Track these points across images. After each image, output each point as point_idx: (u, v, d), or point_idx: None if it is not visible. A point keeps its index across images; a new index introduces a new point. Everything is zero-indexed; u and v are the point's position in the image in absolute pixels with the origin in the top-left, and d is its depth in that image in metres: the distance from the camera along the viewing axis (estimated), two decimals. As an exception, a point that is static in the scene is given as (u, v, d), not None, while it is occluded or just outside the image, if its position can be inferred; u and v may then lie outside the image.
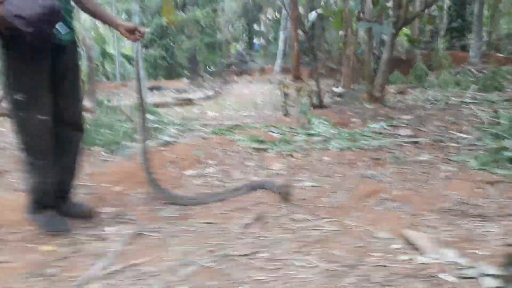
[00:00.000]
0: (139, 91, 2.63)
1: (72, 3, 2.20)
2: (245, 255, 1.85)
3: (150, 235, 2.09)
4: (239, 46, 25.06)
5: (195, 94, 11.27)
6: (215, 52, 18.61)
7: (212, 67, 19.91)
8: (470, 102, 5.57)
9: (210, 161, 3.22)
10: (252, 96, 10.93)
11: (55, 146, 2.16)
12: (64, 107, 2.17)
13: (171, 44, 19.09)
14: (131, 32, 2.28)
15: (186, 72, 17.83)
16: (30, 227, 2.15)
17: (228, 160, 3.28)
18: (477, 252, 1.89)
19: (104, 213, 2.34)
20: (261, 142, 3.73)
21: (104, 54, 18.10)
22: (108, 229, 2.14)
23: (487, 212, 2.32)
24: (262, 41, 26.38)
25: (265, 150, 3.50)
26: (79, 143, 2.32)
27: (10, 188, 3.25)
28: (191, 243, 1.98)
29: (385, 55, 5.91)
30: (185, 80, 15.80)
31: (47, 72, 2.02)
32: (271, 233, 2.10)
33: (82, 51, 5.96)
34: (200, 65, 15.27)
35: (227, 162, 3.23)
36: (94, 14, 2.30)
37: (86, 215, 2.28)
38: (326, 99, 6.91)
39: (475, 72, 9.93)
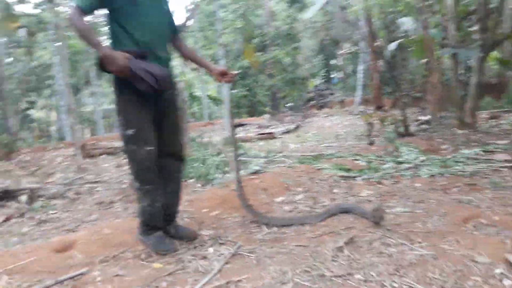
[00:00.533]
0: (232, 126, 2.88)
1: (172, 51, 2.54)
2: (340, 276, 1.89)
3: (248, 255, 2.22)
4: (318, 81, 25.33)
5: (277, 129, 11.56)
6: (295, 88, 19.00)
7: (292, 103, 20.32)
8: None
9: (298, 188, 3.32)
10: (333, 128, 10.94)
11: (161, 175, 2.44)
12: (168, 140, 2.47)
13: (254, 83, 19.91)
14: (223, 75, 2.58)
15: (267, 108, 18.37)
16: (141, 247, 2.40)
17: (315, 187, 3.35)
18: None
19: (205, 235, 2.53)
20: (348, 170, 3.75)
21: (192, 97, 19.37)
22: (210, 250, 2.31)
23: None
24: (340, 74, 26.41)
25: (352, 178, 3.53)
26: (182, 172, 2.60)
27: (119, 216, 3.65)
28: (286, 263, 2.07)
29: (473, 80, 5.67)
30: (266, 116, 16.27)
31: (152, 110, 2.34)
32: (364, 256, 2.11)
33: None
34: (280, 101, 15.67)
35: (315, 189, 3.30)
36: (191, 59, 2.67)
37: (190, 237, 2.51)
38: (412, 128, 6.73)
39: None
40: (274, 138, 10.13)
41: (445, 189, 3.06)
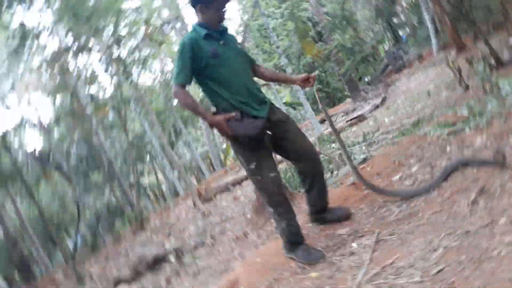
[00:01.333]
0: (331, 124, 3.04)
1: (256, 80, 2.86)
2: (485, 225, 1.95)
3: (390, 238, 2.37)
4: (387, 46, 24.33)
5: (364, 109, 11.38)
6: (368, 63, 18.51)
7: (369, 77, 19.77)
8: None
9: (411, 160, 3.35)
10: (421, 86, 10.47)
11: (306, 175, 2.82)
12: (299, 150, 2.77)
13: (323, 74, 19.83)
14: (306, 81, 2.79)
15: (345, 93, 18.13)
16: (293, 263, 2.65)
17: (427, 153, 3.36)
18: None
19: (343, 234, 2.72)
20: (453, 124, 3.69)
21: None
22: (353, 245, 2.50)
23: None
24: (408, 30, 25.05)
25: (461, 130, 3.47)
26: (321, 167, 2.91)
27: (256, 243, 3.98)
28: (429, 233, 2.18)
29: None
30: (348, 100, 16.07)
31: (264, 139, 2.66)
32: (501, 201, 2.13)
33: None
34: (357, 82, 15.40)
35: (427, 155, 3.31)
36: (274, 79, 3.06)
37: (345, 215, 2.87)
38: (505, 56, 6.27)
39: None
40: (365, 119, 10.00)
41: None
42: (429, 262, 1.90)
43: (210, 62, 2.53)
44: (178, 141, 26.12)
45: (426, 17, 15.47)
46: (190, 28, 2.83)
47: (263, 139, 2.63)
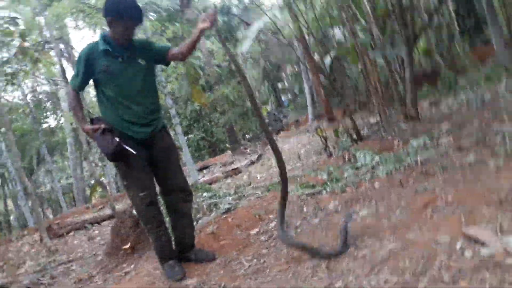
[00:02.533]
0: (280, 162, 2.89)
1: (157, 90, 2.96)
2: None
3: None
4: (269, 107, 25.90)
5: (241, 163, 11.71)
6: (249, 119, 19.34)
7: (249, 134, 20.61)
8: (507, 95, 5.55)
9: (270, 216, 3.43)
10: (294, 149, 11.20)
11: (171, 211, 2.92)
12: (168, 179, 2.84)
13: (208, 124, 20.11)
14: (204, 21, 2.65)
15: (227, 145, 18.54)
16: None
17: (286, 211, 3.47)
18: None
19: (189, 284, 2.58)
20: (313, 186, 3.92)
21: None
22: None
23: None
24: (289, 96, 27.18)
25: (318, 193, 3.69)
26: (189, 205, 2.97)
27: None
28: (272, 291, 2.17)
29: (407, 73, 6.09)
30: (228, 152, 16.42)
31: (142, 160, 2.71)
32: (341, 265, 2.24)
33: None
34: (238, 135, 15.92)
35: (287, 213, 3.42)
36: (190, 49, 2.84)
37: (209, 258, 2.91)
38: (365, 132, 7.06)
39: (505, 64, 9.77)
40: (240, 172, 10.25)
41: (402, 183, 3.27)
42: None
43: (101, 76, 2.67)
44: (40, 168, 23.56)
45: (306, 86, 16.99)
46: (76, 50, 2.79)
47: (140, 158, 2.70)
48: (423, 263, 1.95)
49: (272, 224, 3.28)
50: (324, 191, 3.68)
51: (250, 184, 7.49)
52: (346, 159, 4.67)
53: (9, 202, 24.45)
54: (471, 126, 4.56)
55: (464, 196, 2.62)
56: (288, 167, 7.95)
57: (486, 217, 2.24)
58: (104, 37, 2.66)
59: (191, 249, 3.00)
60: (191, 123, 19.95)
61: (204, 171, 13.19)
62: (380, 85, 7.88)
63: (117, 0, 2.61)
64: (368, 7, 6.64)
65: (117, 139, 2.59)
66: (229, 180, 9.67)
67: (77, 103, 2.75)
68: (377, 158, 4.30)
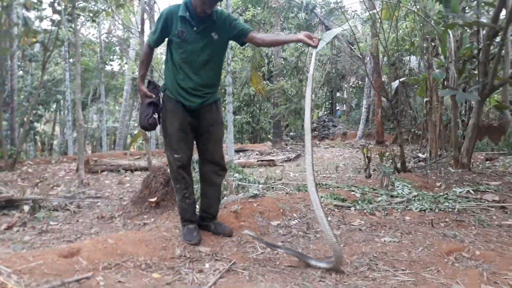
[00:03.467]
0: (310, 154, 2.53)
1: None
2: (327, 293, 2.04)
3: (241, 272, 2.37)
4: (322, 113, 25.69)
5: (277, 156, 11.75)
6: (299, 118, 19.33)
7: (294, 132, 20.58)
8: None
9: (293, 214, 3.47)
10: (334, 159, 11.10)
11: (203, 179, 3.07)
12: (207, 150, 2.99)
13: (257, 111, 20.24)
14: (310, 38, 2.67)
15: (269, 136, 18.62)
16: (142, 258, 2.55)
17: (310, 214, 3.51)
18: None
19: (202, 252, 2.68)
20: (343, 200, 3.91)
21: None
22: (206, 265, 2.46)
23: None
24: (345, 107, 26.82)
25: (347, 207, 3.68)
26: (221, 178, 3.09)
27: (118, 230, 3.80)
28: (277, 281, 2.22)
29: (471, 121, 5.88)
30: (268, 143, 16.49)
31: (187, 125, 2.87)
32: (350, 279, 2.26)
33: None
34: (283, 130, 15.93)
35: (310, 216, 3.45)
36: (272, 43, 2.97)
37: (226, 233, 3.00)
38: (410, 164, 6.90)
39: None
40: (275, 165, 10.30)
41: (433, 223, 3.21)
42: (264, 307, 1.91)
43: (174, 40, 2.78)
44: (92, 105, 24.67)
45: (364, 102, 16.70)
46: (159, 7, 2.93)
47: (186, 123, 2.86)
48: (431, 304, 1.94)
49: (294, 222, 3.32)
50: (353, 208, 3.67)
51: (281, 179, 7.53)
52: (384, 184, 4.60)
53: (57, 128, 25.80)
54: (522, 191, 4.38)
55: (492, 255, 2.55)
56: (324, 175, 7.94)
57: (508, 283, 2.18)
58: (186, 4, 2.75)
59: (212, 220, 3.10)
60: (242, 105, 20.14)
61: (241, 153, 13.33)
62: (440, 124, 7.66)
63: None
64: (452, 44, 6.43)
65: (156, 117, 2.86)
66: (262, 169, 9.75)
67: (147, 60, 2.97)
68: (415, 192, 4.22)
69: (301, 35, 2.68)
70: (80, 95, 7.84)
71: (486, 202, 3.91)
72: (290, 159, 11.22)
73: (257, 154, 12.83)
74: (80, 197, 5.74)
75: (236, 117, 19.50)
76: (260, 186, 6.18)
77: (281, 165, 10.27)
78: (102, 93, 18.59)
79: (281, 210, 3.50)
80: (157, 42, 2.88)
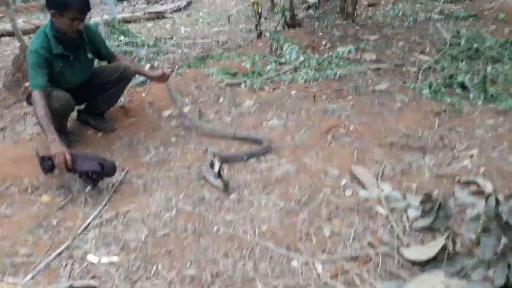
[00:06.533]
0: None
1: None
2: (217, 198, 2.21)
3: (135, 182, 2.41)
4: None
5: (167, 5, 10.86)
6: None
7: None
8: (437, 19, 5.69)
9: (186, 99, 3.43)
10: (226, 6, 10.63)
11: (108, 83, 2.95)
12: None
13: None
14: (161, 78, 2.95)
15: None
16: (27, 178, 2.44)
17: (202, 97, 3.49)
18: (412, 185, 2.28)
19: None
20: (234, 74, 3.91)
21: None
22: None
23: (427, 144, 2.67)
24: None
25: (237, 85, 3.71)
26: (120, 79, 2.95)
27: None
28: (171, 188, 2.32)
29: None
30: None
31: None
32: (241, 174, 2.44)
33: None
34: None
35: (202, 100, 3.45)
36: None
37: (108, 130, 2.98)
38: (300, 15, 6.90)
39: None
40: (164, 17, 9.59)
41: (316, 97, 3.42)
42: (160, 221, 2.03)
43: (56, 75, 2.61)
44: None
45: None
46: None
47: None
48: (308, 194, 2.21)
49: (186, 109, 3.30)
50: (243, 84, 3.71)
51: (172, 38, 7.17)
52: (273, 48, 4.63)
53: None
54: (396, 46, 4.73)
55: (363, 130, 2.87)
56: (215, 29, 7.69)
57: (374, 159, 2.53)
58: (55, 36, 2.54)
59: (96, 116, 3.01)
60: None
61: (125, 2, 12.05)
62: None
63: None
64: None
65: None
66: (150, 24, 9.07)
67: (48, 110, 2.42)
68: (301, 57, 4.34)
69: (156, 75, 2.97)
70: None
71: (364, 64, 4.20)
72: (181, 8, 10.47)
73: (143, 2, 11.68)
74: None
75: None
76: (150, 51, 5.84)
77: (171, 17, 9.61)
78: None
79: (171, 97, 3.43)
80: (47, 82, 2.51)
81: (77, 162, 2.22)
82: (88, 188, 2.27)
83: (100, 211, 2.13)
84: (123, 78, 2.89)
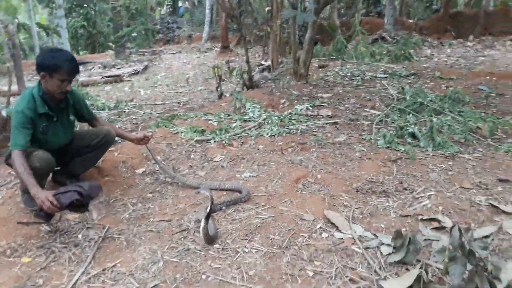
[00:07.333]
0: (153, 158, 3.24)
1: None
2: (201, 249, 2.28)
3: (117, 238, 2.44)
4: (164, 11, 24.33)
5: (124, 69, 11.10)
6: (139, 18, 17.98)
7: (136, 34, 19.22)
8: (382, 77, 6.30)
9: (157, 157, 3.53)
10: (183, 68, 11.02)
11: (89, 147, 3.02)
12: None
13: (92, 12, 18.16)
14: (141, 140, 3.06)
15: (111, 44, 17.15)
16: (4, 241, 2.39)
17: (174, 154, 3.61)
18: (381, 225, 2.48)
19: (71, 220, 2.62)
20: (202, 132, 4.09)
21: (18, 26, 16.85)
22: (79, 236, 2.44)
23: (389, 189, 2.92)
24: (187, 4, 25.77)
25: (207, 141, 3.88)
26: (98, 144, 3.00)
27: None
28: (154, 241, 2.36)
29: (307, 36, 6.39)
30: (110, 52, 15.31)
31: None
32: (221, 224, 2.54)
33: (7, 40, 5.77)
34: (125, 36, 14.73)
35: (174, 157, 3.57)
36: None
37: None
38: (256, 75, 7.34)
39: (389, 39, 10.84)
40: (122, 81, 9.78)
41: (283, 150, 3.65)
42: (148, 273, 2.06)
43: (39, 135, 2.67)
44: None
45: (208, 4, 16.32)
46: None
47: None
48: (288, 238, 2.34)
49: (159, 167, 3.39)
50: (212, 140, 3.88)
51: (132, 100, 7.32)
52: (236, 107, 4.90)
53: None
54: (349, 102, 5.15)
55: (330, 178, 3.09)
56: (175, 91, 7.94)
57: (343, 204, 2.73)
58: (42, 97, 2.64)
59: (72, 178, 2.99)
60: (73, 5, 17.76)
61: (81, 67, 12.18)
62: (280, 33, 8.12)
63: (51, 54, 2.60)
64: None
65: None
66: (108, 88, 9.21)
67: (28, 167, 2.45)
68: (264, 115, 4.62)
69: (136, 137, 3.07)
70: None
71: (322, 119, 4.54)
72: (138, 72, 10.74)
73: (99, 67, 11.88)
74: None
75: (68, 19, 17.24)
76: (111, 113, 5.93)
77: (129, 80, 9.81)
78: None
79: (144, 155, 3.52)
80: (29, 142, 2.57)
81: (59, 199, 2.29)
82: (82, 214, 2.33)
83: (86, 268, 2.13)
84: (104, 143, 2.97)
